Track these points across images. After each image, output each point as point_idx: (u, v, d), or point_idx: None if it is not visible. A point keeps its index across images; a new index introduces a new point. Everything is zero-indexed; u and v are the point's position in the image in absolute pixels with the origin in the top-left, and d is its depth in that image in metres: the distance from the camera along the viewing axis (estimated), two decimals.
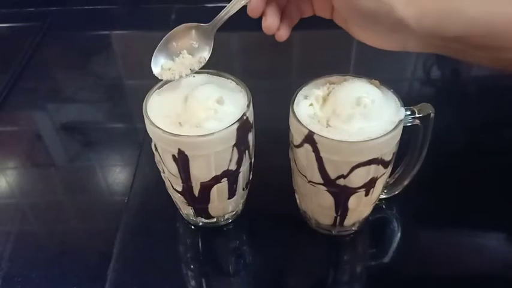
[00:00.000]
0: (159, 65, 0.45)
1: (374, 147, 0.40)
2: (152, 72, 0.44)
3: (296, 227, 0.50)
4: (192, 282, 0.47)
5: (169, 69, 0.44)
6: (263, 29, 0.43)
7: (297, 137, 0.42)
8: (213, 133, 0.40)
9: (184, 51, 0.45)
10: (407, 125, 0.42)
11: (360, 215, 0.48)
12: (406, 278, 0.46)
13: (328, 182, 0.42)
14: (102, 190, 0.57)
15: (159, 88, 0.45)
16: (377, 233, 0.50)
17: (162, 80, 0.45)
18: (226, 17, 0.43)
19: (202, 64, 0.45)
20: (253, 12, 0.42)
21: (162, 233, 0.51)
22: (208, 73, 0.47)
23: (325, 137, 0.39)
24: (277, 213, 0.51)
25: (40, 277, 0.47)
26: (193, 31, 0.45)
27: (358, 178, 0.42)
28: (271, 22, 0.42)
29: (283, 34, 0.44)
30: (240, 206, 0.51)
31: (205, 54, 0.45)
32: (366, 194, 0.44)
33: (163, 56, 0.45)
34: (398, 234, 0.50)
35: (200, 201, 0.46)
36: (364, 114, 0.40)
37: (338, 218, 0.46)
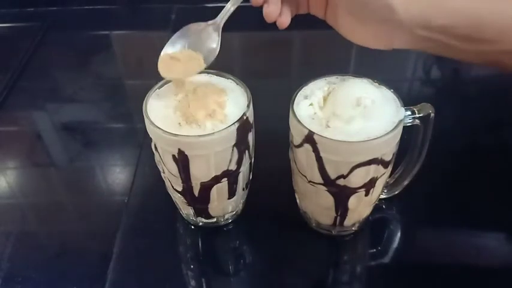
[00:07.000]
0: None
1: (374, 147, 0.40)
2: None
3: (296, 227, 0.50)
4: (192, 282, 0.47)
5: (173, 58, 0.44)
6: (264, 15, 0.43)
7: (297, 137, 0.42)
8: (213, 133, 0.40)
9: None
10: (407, 125, 0.42)
11: (360, 215, 0.48)
12: (406, 278, 0.46)
13: (328, 182, 0.42)
14: (102, 190, 0.57)
15: (159, 88, 0.45)
16: (377, 233, 0.50)
17: (163, 79, 0.45)
18: (232, 9, 0.44)
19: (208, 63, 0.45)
20: (256, 1, 0.43)
21: (162, 233, 0.51)
22: (208, 73, 0.47)
23: (325, 137, 0.39)
24: (277, 213, 0.51)
25: (40, 277, 0.47)
26: (201, 29, 0.45)
27: (358, 178, 0.42)
28: (273, 9, 0.43)
29: (284, 21, 0.44)
30: (240, 206, 0.51)
31: (212, 53, 0.45)
32: (366, 194, 0.44)
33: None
34: (398, 234, 0.50)
35: (200, 201, 0.46)
36: (364, 114, 0.40)
37: (338, 218, 0.46)
